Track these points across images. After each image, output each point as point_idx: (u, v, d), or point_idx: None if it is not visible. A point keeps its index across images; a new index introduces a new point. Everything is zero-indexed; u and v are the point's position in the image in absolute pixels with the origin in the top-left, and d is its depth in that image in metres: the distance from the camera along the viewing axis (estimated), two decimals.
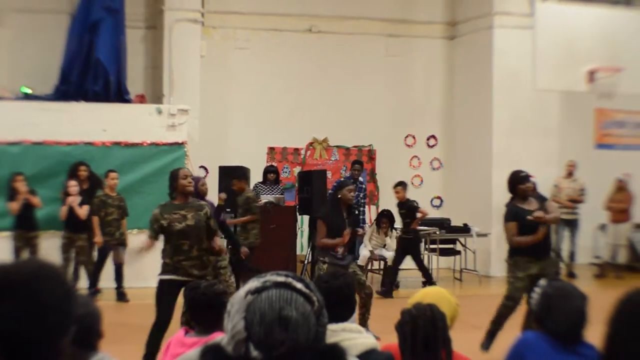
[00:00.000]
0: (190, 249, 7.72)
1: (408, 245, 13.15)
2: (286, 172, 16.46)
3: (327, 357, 2.02)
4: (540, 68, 14.04)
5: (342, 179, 14.19)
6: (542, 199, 8.84)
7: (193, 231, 7.73)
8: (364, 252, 13.58)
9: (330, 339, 2.67)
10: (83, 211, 12.17)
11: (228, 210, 12.14)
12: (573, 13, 14.43)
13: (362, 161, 15.31)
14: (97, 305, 3.57)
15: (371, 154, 16.93)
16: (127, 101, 14.24)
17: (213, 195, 11.69)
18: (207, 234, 7.91)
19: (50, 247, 12.23)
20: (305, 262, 13.81)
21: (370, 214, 15.98)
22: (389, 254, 13.38)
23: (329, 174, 15.76)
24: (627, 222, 15.58)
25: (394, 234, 13.72)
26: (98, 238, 12.25)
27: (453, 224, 15.03)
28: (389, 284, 13.19)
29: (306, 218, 14.51)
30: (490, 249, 15.16)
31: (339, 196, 9.32)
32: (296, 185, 15.62)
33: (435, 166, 17.48)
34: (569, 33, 14.36)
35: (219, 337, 2.08)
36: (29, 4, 15.14)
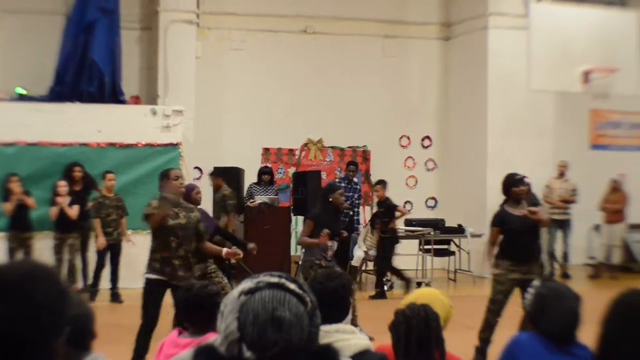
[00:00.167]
0: (177, 247, 7.69)
1: (385, 244, 13.15)
2: (281, 173, 16.46)
3: (320, 357, 2.03)
4: (535, 69, 14.03)
5: (332, 182, 14.22)
6: (534, 204, 8.86)
7: (183, 230, 7.71)
8: (358, 252, 13.58)
9: (324, 339, 2.67)
10: (73, 211, 12.16)
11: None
12: (568, 14, 14.42)
13: (356, 162, 15.32)
14: (90, 305, 3.58)
15: (366, 155, 16.93)
16: (122, 102, 14.24)
17: (206, 203, 11.64)
18: (196, 237, 7.90)
19: (44, 248, 12.24)
20: (300, 262, 13.79)
21: (365, 214, 15.98)
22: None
23: (323, 175, 15.79)
24: (622, 222, 15.61)
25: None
26: (101, 240, 12.30)
27: (447, 224, 15.03)
28: (404, 280, 13.15)
29: (300, 219, 14.49)
30: (485, 249, 15.14)
31: (330, 199, 9.36)
32: (291, 186, 15.63)
33: (430, 167, 17.50)
34: (564, 34, 14.36)
35: (212, 338, 2.08)
36: (24, 5, 15.11)
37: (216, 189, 12.53)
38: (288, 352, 1.92)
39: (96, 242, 12.36)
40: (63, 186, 12.25)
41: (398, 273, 13.31)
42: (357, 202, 14.46)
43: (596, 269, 15.80)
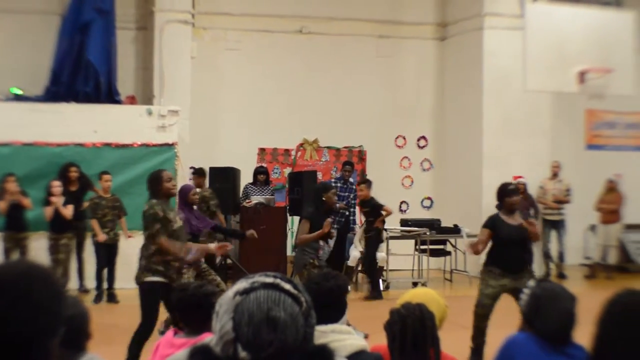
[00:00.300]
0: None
1: (369, 244, 13.14)
2: (276, 173, 16.46)
3: (315, 358, 2.03)
4: (530, 69, 14.02)
5: (325, 181, 14.23)
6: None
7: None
8: (355, 253, 13.59)
9: (320, 340, 2.68)
10: (68, 211, 12.15)
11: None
12: (563, 14, 14.41)
13: (352, 162, 15.31)
14: (86, 306, 3.57)
15: (362, 155, 16.92)
16: (118, 102, 14.24)
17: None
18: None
19: (40, 248, 12.20)
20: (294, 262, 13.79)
21: (361, 215, 15.98)
22: (380, 255, 13.38)
23: (319, 175, 15.77)
24: (618, 222, 15.62)
25: (386, 234, 13.73)
26: (101, 236, 12.39)
27: (443, 224, 15.02)
28: (374, 289, 13.10)
29: (296, 219, 14.47)
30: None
31: (324, 199, 9.38)
32: (286, 186, 15.63)
33: (426, 167, 17.50)
34: (560, 34, 14.35)
35: (207, 338, 2.08)
36: (19, 5, 15.11)
37: (198, 188, 12.52)
38: (283, 353, 1.92)
39: (97, 239, 12.44)
40: (57, 186, 12.23)
41: (374, 277, 13.22)
42: (352, 202, 14.47)
43: (592, 269, 15.82)
